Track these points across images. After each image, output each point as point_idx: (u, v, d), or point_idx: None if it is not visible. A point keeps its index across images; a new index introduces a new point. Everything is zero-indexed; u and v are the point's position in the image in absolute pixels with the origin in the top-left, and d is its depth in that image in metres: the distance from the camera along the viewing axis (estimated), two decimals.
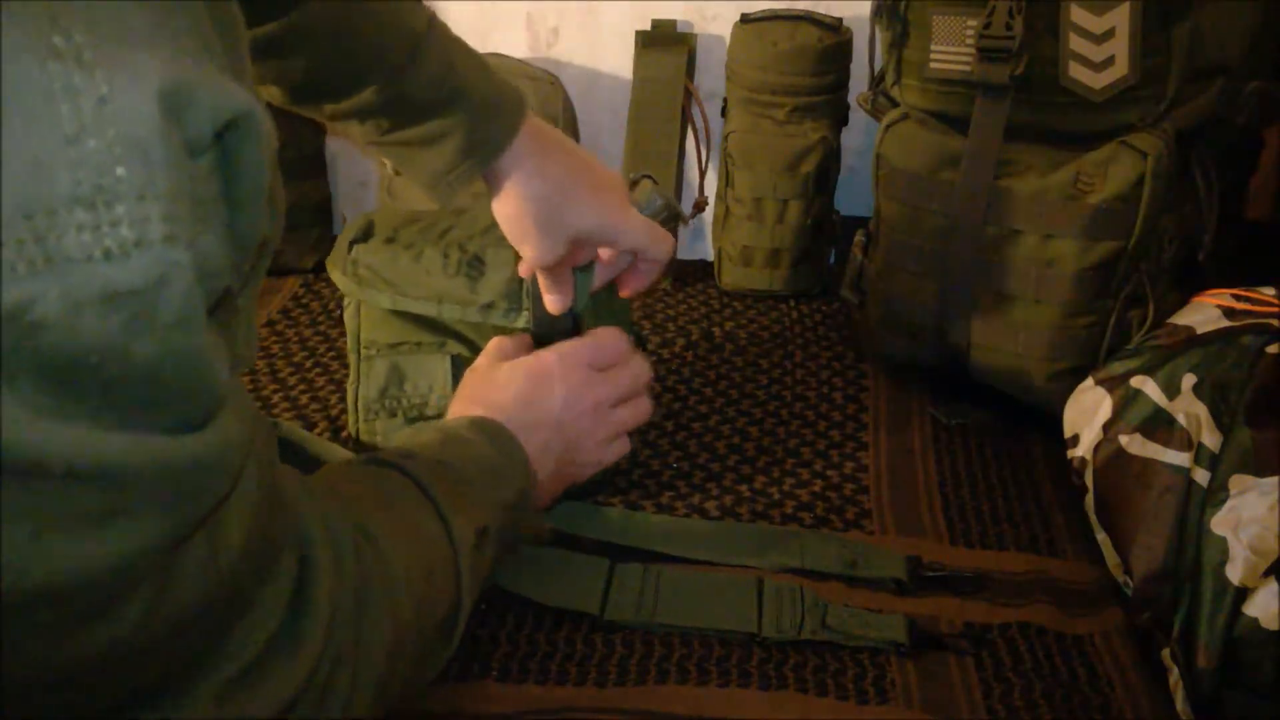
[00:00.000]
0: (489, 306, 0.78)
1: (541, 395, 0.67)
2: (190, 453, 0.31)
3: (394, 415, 0.83)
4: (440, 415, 0.80)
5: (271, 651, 0.40)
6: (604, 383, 0.69)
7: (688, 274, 1.22)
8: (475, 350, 0.79)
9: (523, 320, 0.78)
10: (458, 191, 0.68)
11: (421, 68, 0.65)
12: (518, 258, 0.75)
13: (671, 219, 0.77)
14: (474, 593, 0.55)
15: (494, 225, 0.73)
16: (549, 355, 0.69)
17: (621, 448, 0.72)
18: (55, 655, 0.31)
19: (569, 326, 0.76)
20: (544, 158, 0.68)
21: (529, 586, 0.72)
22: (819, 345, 1.08)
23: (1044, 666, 0.67)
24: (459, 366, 0.80)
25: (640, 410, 0.72)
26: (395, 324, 0.82)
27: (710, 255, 1.21)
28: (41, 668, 0.31)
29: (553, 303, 0.74)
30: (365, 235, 0.81)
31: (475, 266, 0.78)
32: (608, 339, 0.71)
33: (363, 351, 0.83)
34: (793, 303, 1.16)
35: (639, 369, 0.71)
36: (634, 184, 0.78)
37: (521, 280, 0.77)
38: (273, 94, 0.67)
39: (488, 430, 0.63)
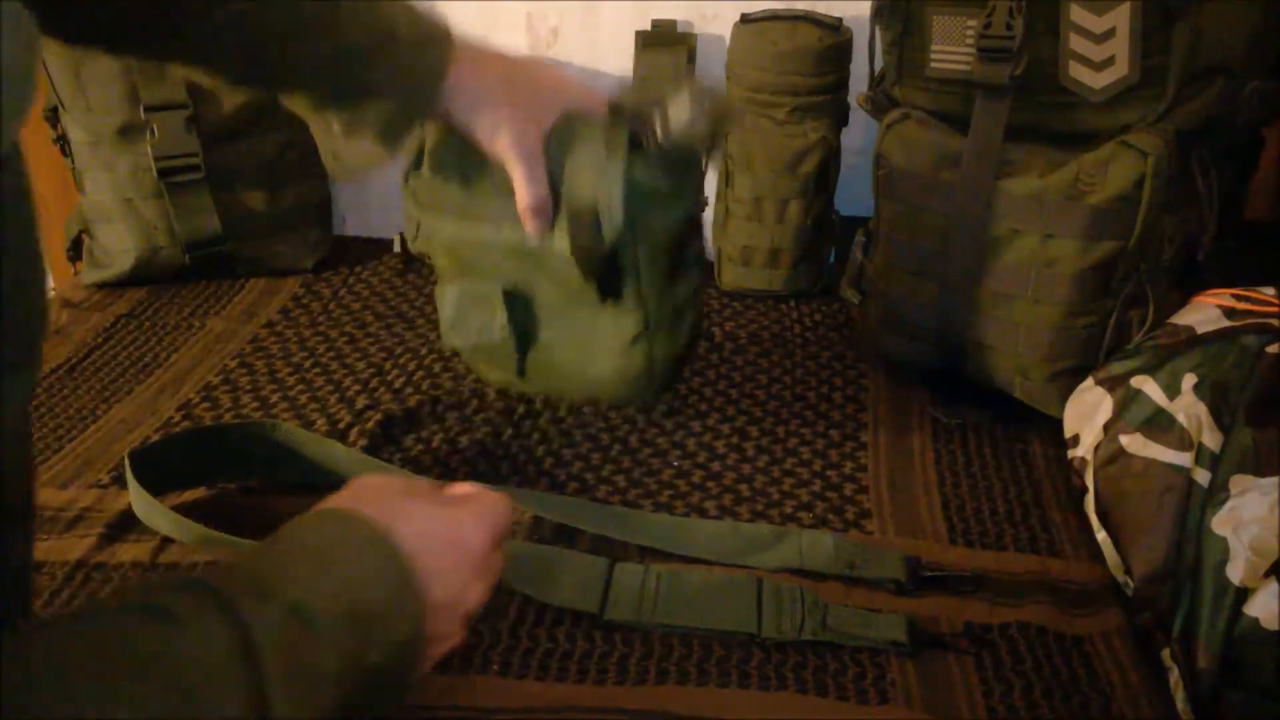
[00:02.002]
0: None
1: (457, 546, 0.52)
2: None
3: (466, 343, 0.84)
4: (503, 344, 0.82)
5: None
6: (494, 565, 0.56)
7: None
8: (529, 286, 0.79)
9: (559, 238, 0.74)
10: (407, 138, 0.71)
11: (353, 16, 0.66)
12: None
13: (710, 122, 0.72)
14: None
15: None
16: (474, 503, 0.55)
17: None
18: None
19: (605, 253, 0.73)
20: (480, 79, 0.70)
21: (528, 584, 0.72)
22: (819, 345, 1.07)
23: (1044, 666, 0.67)
24: (512, 303, 0.80)
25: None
26: (453, 260, 0.82)
27: (710, 255, 1.21)
28: None
29: (531, 201, 0.72)
30: (417, 163, 0.80)
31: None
32: (503, 508, 0.57)
33: (438, 275, 0.84)
34: (793, 303, 1.16)
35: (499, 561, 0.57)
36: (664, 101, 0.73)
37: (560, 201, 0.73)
38: (216, 82, 0.68)
39: (389, 560, 0.48)
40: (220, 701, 0.39)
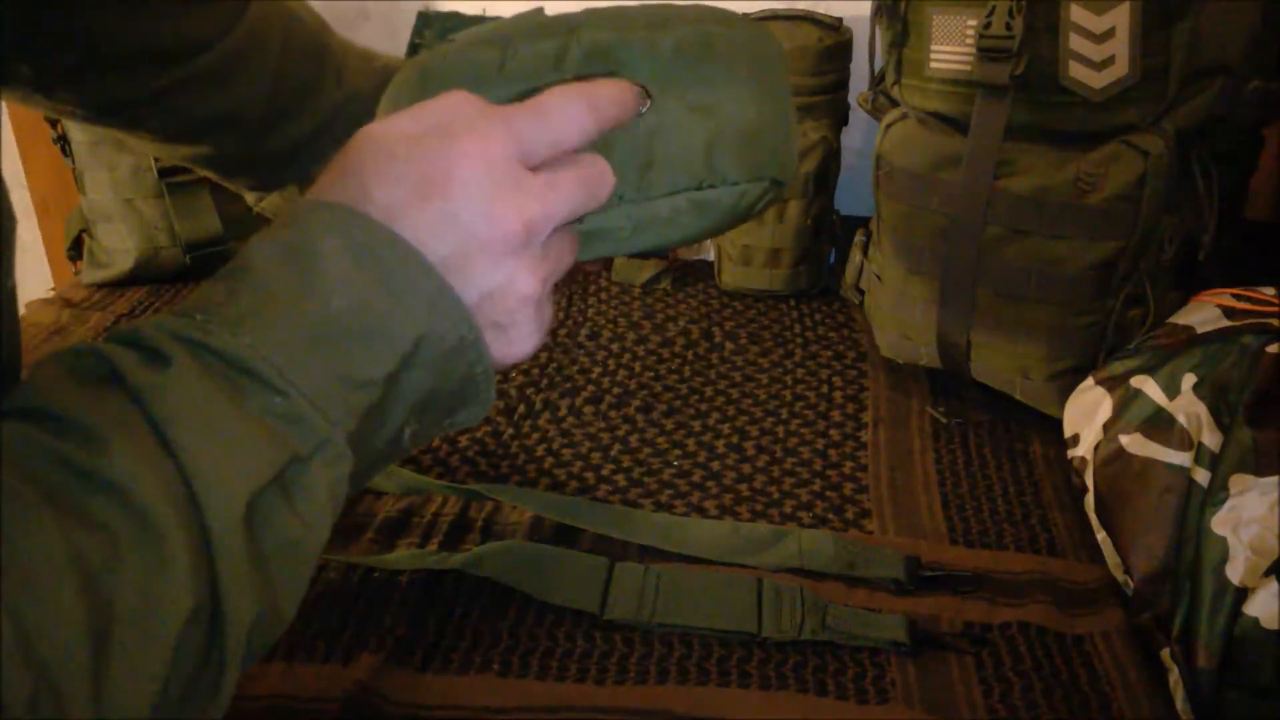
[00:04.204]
0: None
1: (450, 188, 0.39)
2: None
3: None
4: None
5: None
6: (551, 200, 0.41)
7: (688, 274, 1.22)
8: None
9: None
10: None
11: (347, 82, 0.66)
12: None
13: None
14: (254, 601, 0.34)
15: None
16: (466, 115, 0.40)
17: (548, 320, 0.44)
18: None
19: None
20: None
21: (528, 583, 0.72)
22: (819, 345, 1.07)
23: (1044, 666, 0.67)
24: None
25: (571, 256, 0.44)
26: None
27: (710, 255, 1.21)
28: None
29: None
30: None
31: None
32: (568, 104, 0.42)
33: None
34: (793, 302, 1.16)
35: (602, 170, 0.43)
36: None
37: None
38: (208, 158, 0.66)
39: (370, 249, 0.37)
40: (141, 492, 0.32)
